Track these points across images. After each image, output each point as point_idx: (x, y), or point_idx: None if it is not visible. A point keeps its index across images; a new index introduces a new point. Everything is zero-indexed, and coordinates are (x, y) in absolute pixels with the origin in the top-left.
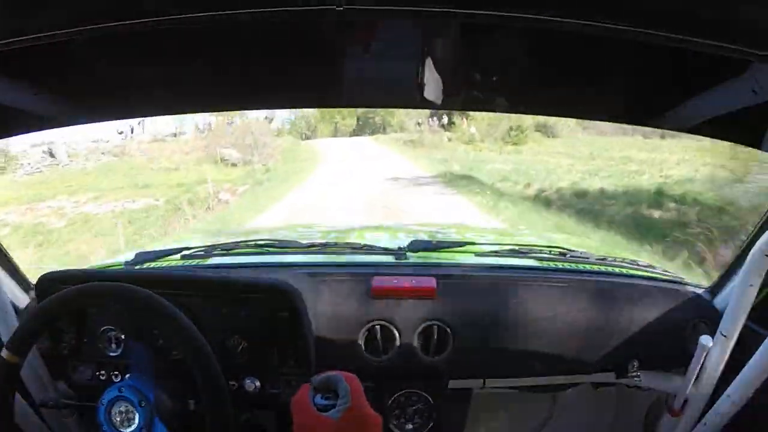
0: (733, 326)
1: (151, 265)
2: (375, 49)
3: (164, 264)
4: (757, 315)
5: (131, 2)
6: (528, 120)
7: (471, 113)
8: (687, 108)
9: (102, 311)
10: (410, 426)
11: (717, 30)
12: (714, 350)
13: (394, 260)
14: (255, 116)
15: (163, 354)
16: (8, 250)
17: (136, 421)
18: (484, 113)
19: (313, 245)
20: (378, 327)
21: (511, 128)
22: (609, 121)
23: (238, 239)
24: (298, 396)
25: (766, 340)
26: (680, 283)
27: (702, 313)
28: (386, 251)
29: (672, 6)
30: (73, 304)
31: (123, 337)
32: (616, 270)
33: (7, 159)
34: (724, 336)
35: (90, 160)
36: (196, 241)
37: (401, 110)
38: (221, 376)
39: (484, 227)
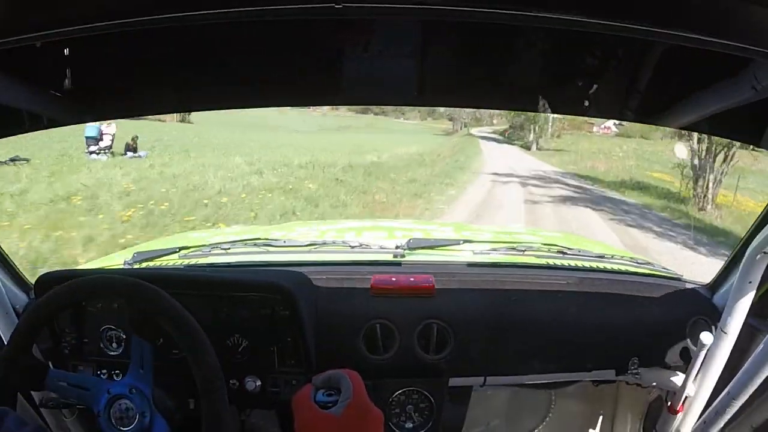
0: (733, 323)
1: (150, 265)
2: (374, 46)
3: (163, 263)
4: (756, 312)
5: (130, 1)
6: None
7: None
8: (687, 105)
9: (102, 310)
10: (410, 424)
11: (717, 27)
12: (714, 347)
13: (392, 259)
14: None
15: (163, 353)
16: (7, 251)
17: (136, 418)
18: None
19: (311, 244)
20: (377, 325)
21: None
22: (609, 119)
23: (237, 238)
24: (300, 393)
25: (766, 337)
26: (679, 280)
27: (702, 310)
28: (384, 250)
29: (671, 3)
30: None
31: (124, 336)
32: (615, 267)
33: None
34: (725, 333)
35: None
36: (195, 240)
37: None
38: (219, 368)
39: (481, 226)
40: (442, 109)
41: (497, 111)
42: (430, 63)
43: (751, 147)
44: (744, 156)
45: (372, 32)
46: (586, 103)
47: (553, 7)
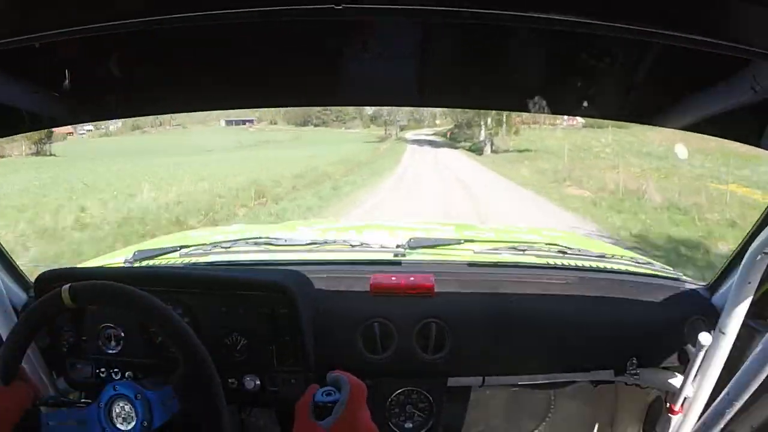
0: (732, 323)
1: (150, 263)
2: (374, 47)
3: (163, 262)
4: (755, 312)
5: (130, 2)
6: None
7: None
8: (687, 106)
9: (101, 309)
10: (410, 424)
11: (717, 27)
12: (713, 348)
13: (392, 258)
14: None
15: (164, 351)
16: (7, 249)
17: (135, 417)
18: None
19: (312, 243)
20: (376, 324)
21: None
22: (609, 119)
23: (238, 237)
24: (303, 398)
25: (764, 338)
26: (679, 280)
27: (701, 311)
28: (385, 249)
29: (671, 4)
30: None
31: (123, 334)
32: (615, 267)
33: None
34: (723, 333)
35: None
36: (196, 238)
37: None
38: (215, 374)
39: (481, 225)
40: (385, 113)
41: (440, 112)
42: (430, 64)
43: None
44: None
45: (372, 33)
46: (586, 104)
47: (553, 8)
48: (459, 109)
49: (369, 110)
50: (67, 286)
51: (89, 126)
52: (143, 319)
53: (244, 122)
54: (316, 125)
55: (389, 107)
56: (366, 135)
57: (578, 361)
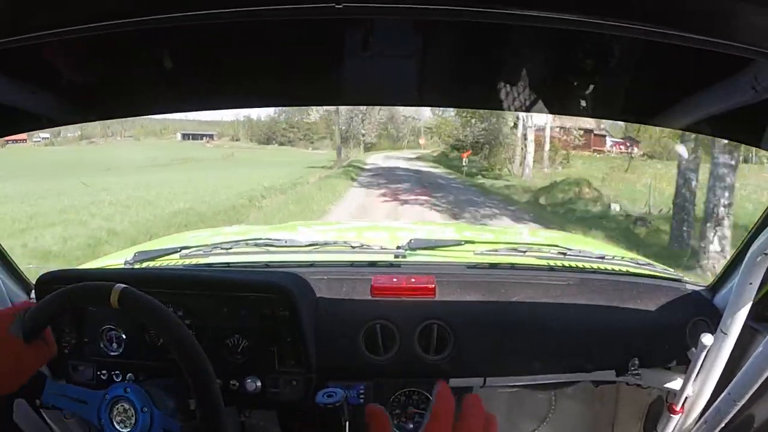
0: (733, 324)
1: (151, 264)
2: (374, 47)
3: (164, 263)
4: (757, 313)
5: (130, 2)
6: None
7: None
8: (686, 105)
9: (102, 310)
10: (411, 425)
11: (716, 27)
12: (714, 348)
13: (393, 259)
14: None
15: (163, 353)
16: (8, 251)
17: (133, 425)
18: None
19: (312, 244)
20: (378, 326)
21: None
22: (608, 119)
23: (238, 238)
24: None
25: (766, 338)
26: (680, 281)
27: (702, 312)
28: (386, 250)
29: (671, 3)
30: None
31: (124, 336)
32: (616, 268)
33: None
34: (725, 334)
35: None
36: (196, 240)
37: None
38: (214, 380)
39: (482, 226)
40: (342, 122)
41: (423, 128)
42: (430, 63)
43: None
44: None
45: (372, 32)
46: (585, 104)
47: (553, 7)
48: (454, 128)
49: (340, 130)
50: (121, 287)
51: (45, 134)
52: (174, 353)
53: (202, 137)
54: (281, 143)
55: (353, 122)
56: (320, 158)
57: (579, 361)
